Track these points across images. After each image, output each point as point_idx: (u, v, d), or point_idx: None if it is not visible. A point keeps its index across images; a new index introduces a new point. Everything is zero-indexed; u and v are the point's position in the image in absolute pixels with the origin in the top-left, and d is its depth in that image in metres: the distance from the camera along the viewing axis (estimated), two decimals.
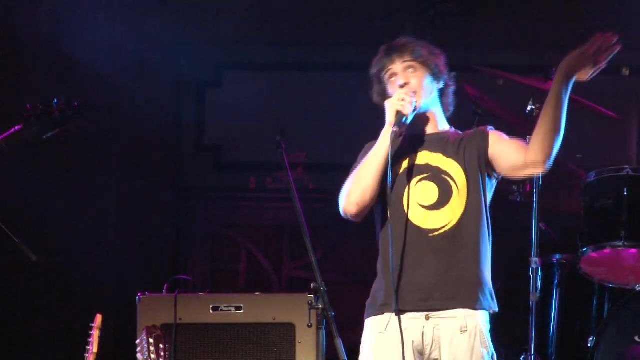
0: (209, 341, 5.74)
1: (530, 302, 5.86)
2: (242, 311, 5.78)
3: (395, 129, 4.36)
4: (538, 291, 5.87)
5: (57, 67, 7.44)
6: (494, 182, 4.54)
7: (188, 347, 5.74)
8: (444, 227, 4.41)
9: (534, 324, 5.84)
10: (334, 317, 4.72)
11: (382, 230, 4.49)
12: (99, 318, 5.17)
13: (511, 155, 4.43)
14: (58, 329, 7.18)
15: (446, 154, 4.48)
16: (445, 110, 4.60)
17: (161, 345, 4.80)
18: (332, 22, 7.70)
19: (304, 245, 4.75)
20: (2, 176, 7.32)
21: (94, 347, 5.12)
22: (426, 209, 4.43)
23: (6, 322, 7.26)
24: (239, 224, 7.87)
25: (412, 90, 4.45)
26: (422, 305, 4.39)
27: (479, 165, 4.46)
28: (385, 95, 4.52)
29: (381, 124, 4.45)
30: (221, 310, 5.78)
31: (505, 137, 4.53)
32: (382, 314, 4.44)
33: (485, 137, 4.50)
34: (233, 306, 5.78)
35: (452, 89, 4.61)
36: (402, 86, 4.46)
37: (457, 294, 4.39)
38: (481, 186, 4.45)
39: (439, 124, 4.57)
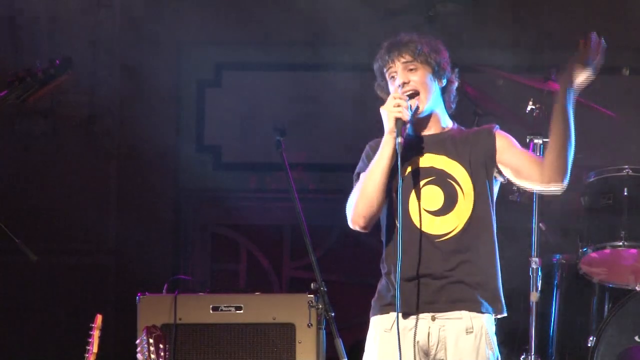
0: (209, 341, 5.74)
1: (530, 302, 5.85)
2: (242, 311, 5.78)
3: (400, 140, 4.30)
4: (538, 291, 5.87)
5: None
6: (499, 183, 4.51)
7: (188, 347, 5.74)
8: (450, 232, 4.38)
9: (534, 324, 5.84)
10: (334, 317, 4.72)
11: (387, 234, 4.46)
12: (99, 318, 5.17)
13: (530, 173, 4.39)
14: (58, 329, 7.18)
15: (450, 155, 4.43)
16: (447, 107, 4.53)
17: (161, 345, 4.80)
18: (332, 22, 7.69)
19: (304, 245, 4.75)
20: (2, 176, 7.33)
21: (94, 347, 5.12)
22: (432, 215, 4.40)
23: (6, 322, 7.26)
24: (239, 224, 7.87)
25: (412, 89, 4.40)
26: (428, 307, 4.37)
27: (486, 169, 4.42)
28: (386, 91, 4.47)
29: (381, 124, 4.42)
30: (221, 310, 5.78)
31: (514, 143, 4.47)
32: (388, 313, 4.41)
33: (492, 139, 4.45)
34: (233, 306, 5.78)
35: (454, 85, 4.54)
36: (400, 85, 4.40)
37: (462, 298, 4.36)
38: (488, 190, 4.42)
39: (442, 122, 4.51)
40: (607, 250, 6.04)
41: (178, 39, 7.83)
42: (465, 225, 4.39)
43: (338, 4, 7.63)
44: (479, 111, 6.29)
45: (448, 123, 4.54)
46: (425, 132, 4.50)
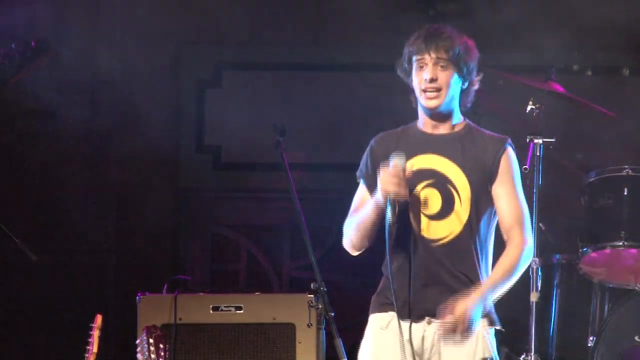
0: (209, 341, 5.74)
1: (530, 302, 5.85)
2: (242, 311, 5.78)
3: (392, 220, 4.31)
4: (538, 291, 5.87)
5: (58, 67, 7.44)
6: None
7: (188, 347, 5.74)
8: (445, 237, 4.38)
9: (534, 324, 5.84)
10: (334, 317, 4.73)
11: (386, 235, 4.44)
12: (99, 318, 5.17)
13: (501, 227, 4.44)
14: (58, 329, 7.18)
15: (454, 160, 4.42)
16: (462, 106, 4.51)
17: (161, 345, 4.80)
18: (332, 22, 7.69)
19: (304, 245, 4.76)
20: (2, 176, 7.33)
21: (94, 347, 5.12)
22: (429, 218, 4.39)
23: (6, 322, 7.26)
24: (239, 224, 7.87)
25: (436, 87, 4.38)
26: (424, 311, 4.37)
27: (484, 182, 4.41)
28: (408, 75, 4.45)
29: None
30: (221, 310, 5.78)
31: (512, 177, 4.45)
32: (386, 311, 4.42)
33: (496, 163, 4.43)
34: (233, 306, 5.78)
35: (475, 87, 4.52)
36: (427, 80, 4.37)
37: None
38: (485, 198, 4.41)
39: (453, 120, 4.48)
40: (607, 250, 6.04)
41: (178, 39, 7.84)
42: (460, 232, 4.38)
43: (338, 4, 7.63)
44: (479, 111, 6.29)
45: (459, 121, 4.52)
46: (434, 131, 4.49)
